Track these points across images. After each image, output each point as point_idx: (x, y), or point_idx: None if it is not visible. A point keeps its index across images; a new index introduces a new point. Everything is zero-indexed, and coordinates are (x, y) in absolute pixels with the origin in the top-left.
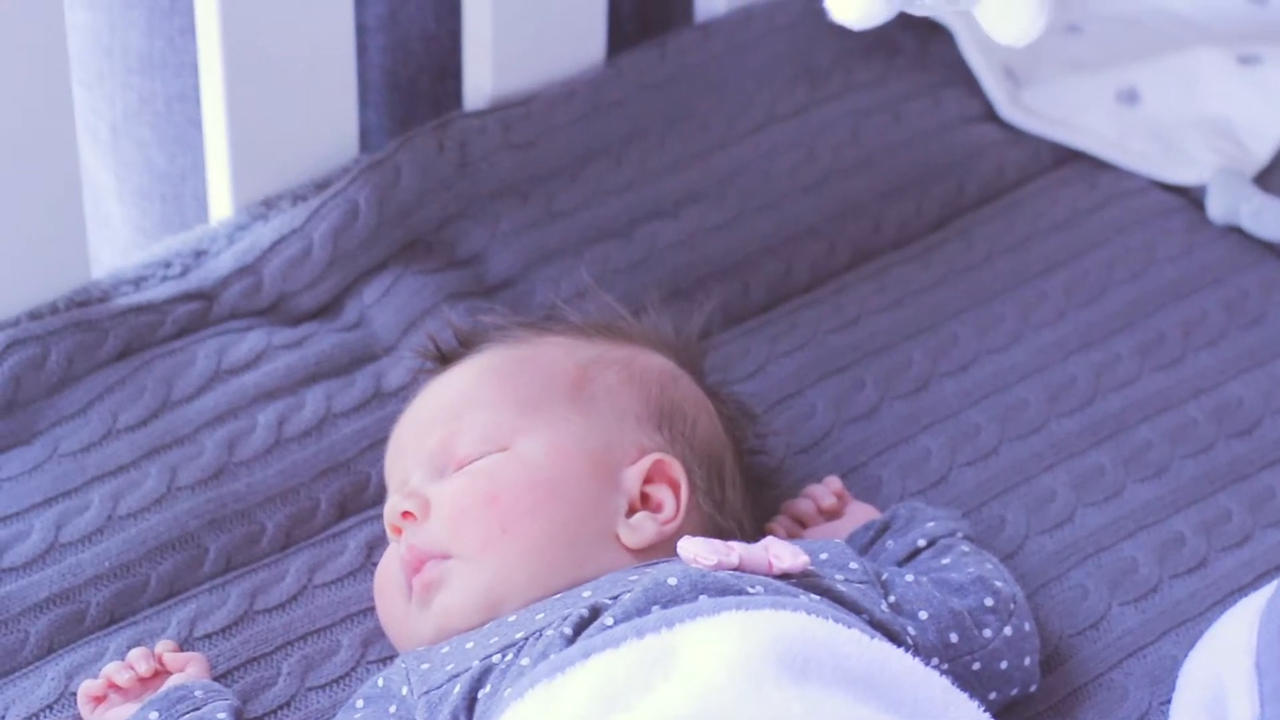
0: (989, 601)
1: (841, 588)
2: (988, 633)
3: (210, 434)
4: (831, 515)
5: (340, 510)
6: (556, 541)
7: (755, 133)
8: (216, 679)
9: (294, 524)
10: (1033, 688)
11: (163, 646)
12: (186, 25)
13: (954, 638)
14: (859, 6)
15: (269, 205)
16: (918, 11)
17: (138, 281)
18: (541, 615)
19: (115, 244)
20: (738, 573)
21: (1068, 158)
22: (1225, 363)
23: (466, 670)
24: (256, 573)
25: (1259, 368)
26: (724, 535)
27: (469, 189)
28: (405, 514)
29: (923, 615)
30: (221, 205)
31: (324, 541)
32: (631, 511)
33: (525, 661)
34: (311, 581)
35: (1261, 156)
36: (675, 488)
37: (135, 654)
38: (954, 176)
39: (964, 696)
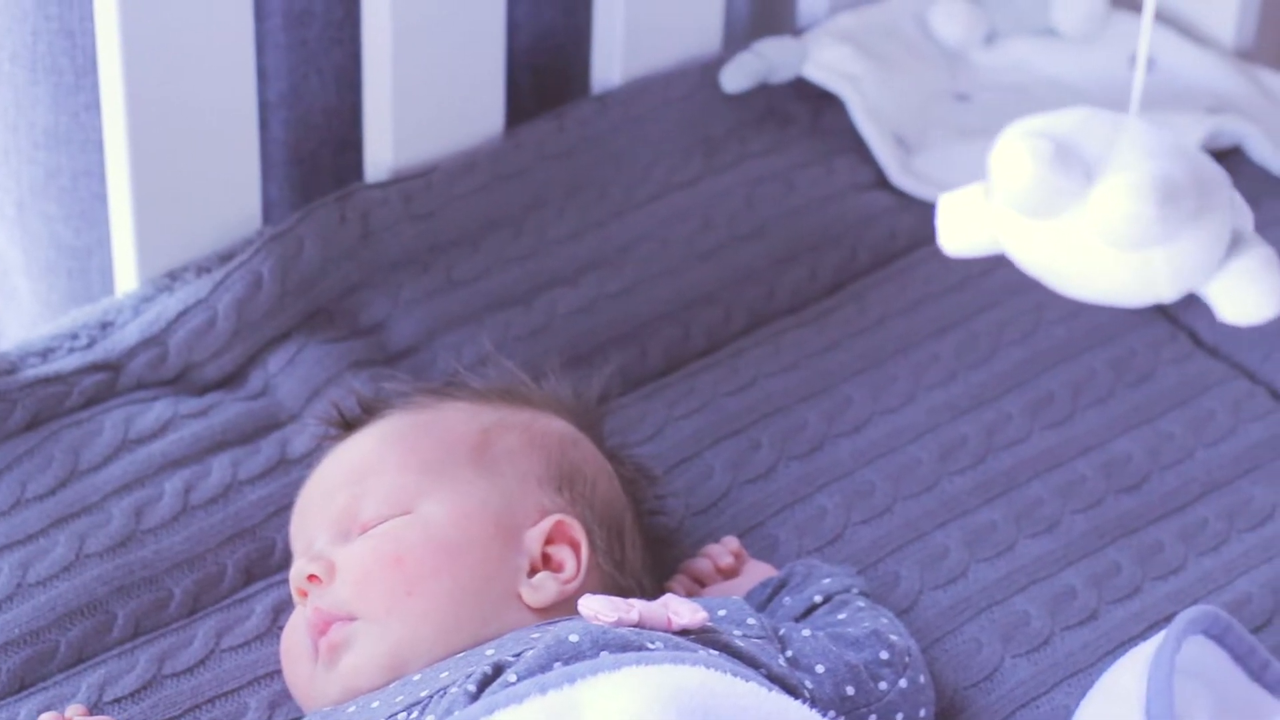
0: (884, 655)
1: (739, 643)
2: (884, 685)
3: (118, 502)
4: (729, 574)
5: (246, 575)
6: (460, 602)
7: (652, 202)
8: None
9: (201, 589)
10: None
11: (73, 711)
12: (91, 101)
13: (850, 691)
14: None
15: (174, 277)
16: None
17: (45, 353)
18: (446, 674)
19: (22, 317)
20: (638, 629)
21: None
22: (1113, 420)
23: None
24: (164, 638)
25: (1146, 424)
26: (624, 593)
27: (371, 259)
28: (311, 577)
29: (819, 669)
30: (127, 278)
31: (231, 606)
32: (533, 571)
33: (430, 719)
34: (219, 646)
35: None
36: (576, 548)
37: (46, 719)
38: (847, 242)
39: None
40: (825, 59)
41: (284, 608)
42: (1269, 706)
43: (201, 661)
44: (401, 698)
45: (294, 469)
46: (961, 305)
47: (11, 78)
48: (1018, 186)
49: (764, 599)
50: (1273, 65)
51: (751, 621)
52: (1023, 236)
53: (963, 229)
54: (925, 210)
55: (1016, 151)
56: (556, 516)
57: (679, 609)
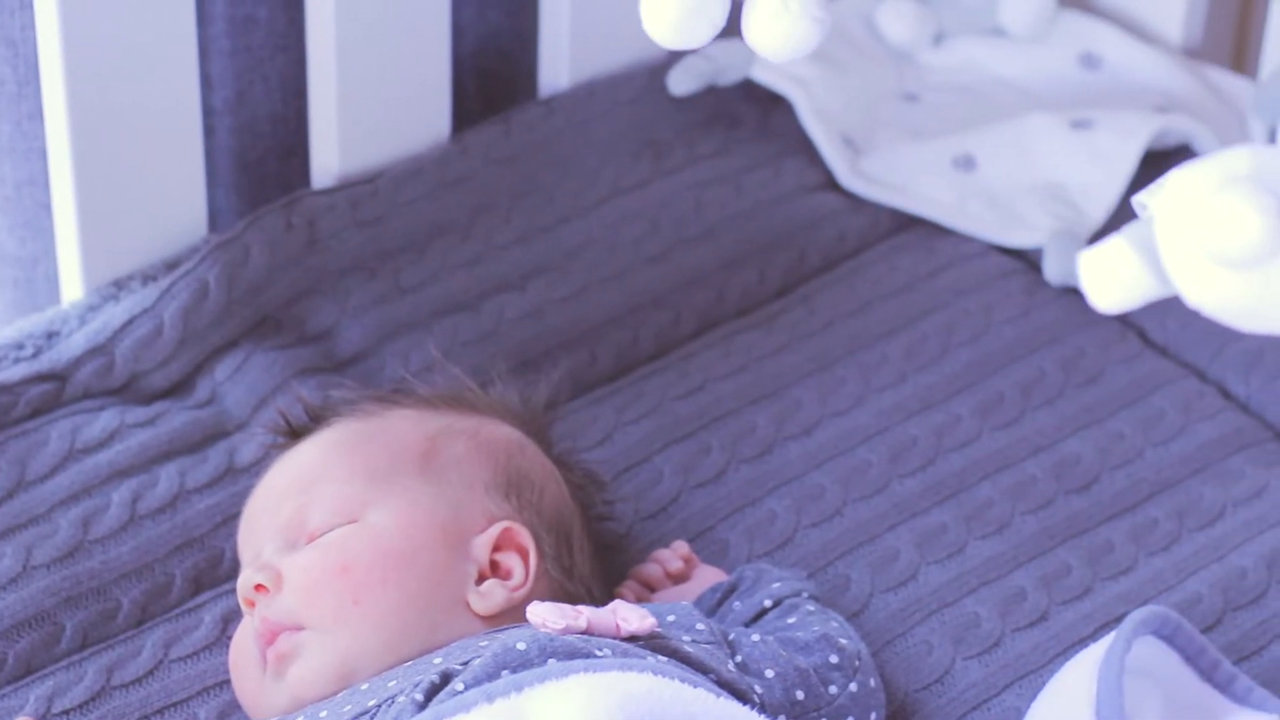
0: (834, 659)
1: (689, 648)
2: (833, 689)
3: (65, 512)
4: (679, 579)
5: (195, 585)
6: (408, 610)
7: (600, 205)
8: None
9: (149, 600)
10: None
11: None
12: (34, 110)
13: (800, 695)
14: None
15: (120, 286)
16: None
17: None
18: (394, 682)
19: None
20: (586, 636)
21: (907, 224)
22: (1063, 421)
23: None
24: (113, 649)
25: (1096, 425)
26: (573, 600)
27: (318, 266)
28: (258, 587)
29: (769, 673)
30: (73, 287)
31: (179, 616)
32: (481, 579)
33: None
34: (168, 656)
35: (1096, 218)
36: (524, 555)
37: None
38: (795, 245)
39: None
40: (773, 61)
41: (233, 617)
42: (1220, 706)
43: (150, 672)
44: (349, 707)
45: (242, 478)
46: (910, 307)
47: None
48: (1245, 242)
49: (713, 604)
50: (1220, 63)
51: (700, 627)
52: (1212, 282)
53: (1117, 283)
54: (874, 212)
55: (1241, 210)
56: (504, 523)
57: (627, 615)
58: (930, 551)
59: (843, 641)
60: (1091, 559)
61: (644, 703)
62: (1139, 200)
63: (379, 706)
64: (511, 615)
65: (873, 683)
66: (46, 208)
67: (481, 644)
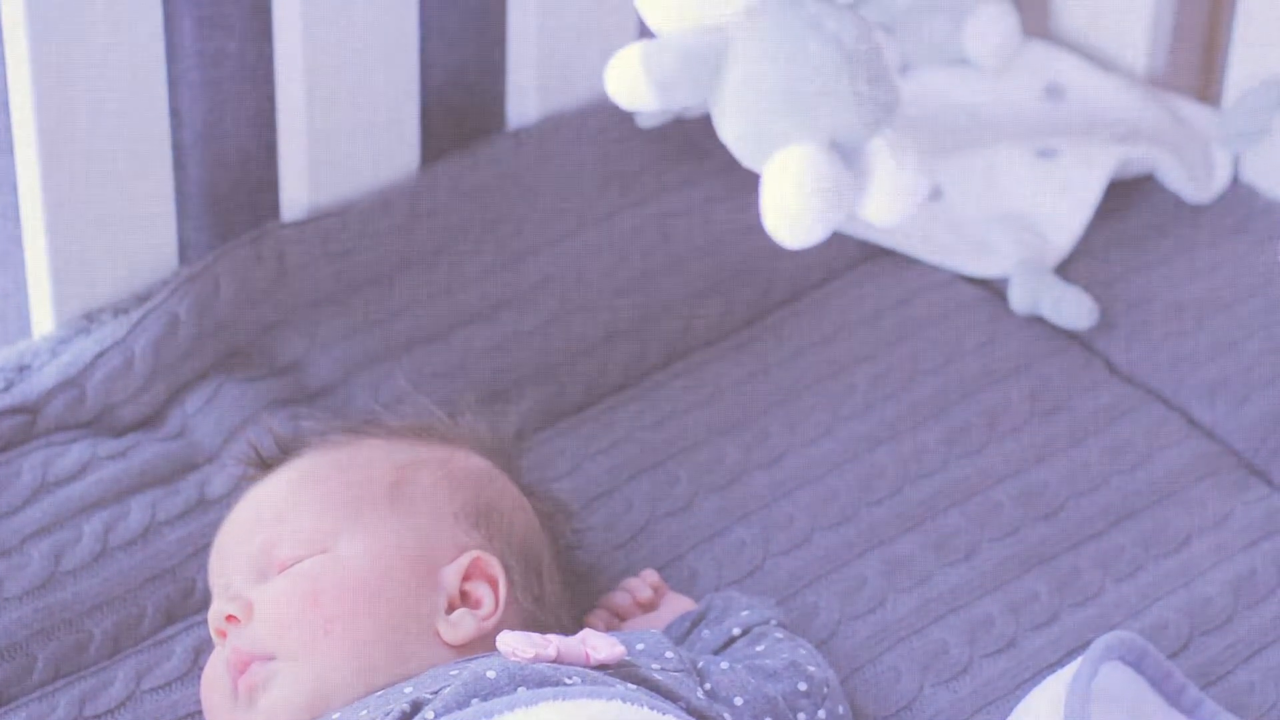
0: (802, 686)
1: (658, 676)
2: (802, 716)
3: (37, 544)
4: (648, 607)
5: (167, 616)
6: (378, 640)
7: (568, 237)
8: None
9: (121, 631)
10: None
11: None
12: (4, 144)
13: None
14: (794, 233)
15: (90, 319)
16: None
17: None
18: (365, 712)
19: None
20: (556, 664)
21: (873, 254)
22: (1029, 448)
23: None
24: (85, 680)
25: (1062, 452)
26: (543, 629)
27: (288, 298)
28: (229, 617)
29: (738, 701)
30: (44, 321)
31: (151, 648)
32: (451, 608)
33: None
34: (139, 687)
35: (1062, 247)
36: (493, 584)
37: None
38: (763, 275)
39: None
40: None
41: (204, 648)
42: None
43: (122, 703)
44: None
45: (213, 509)
46: (877, 336)
47: None
48: None
49: (683, 632)
50: (1185, 92)
51: (670, 655)
52: None
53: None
54: (840, 241)
55: None
56: (474, 553)
57: (597, 644)
58: (898, 579)
59: (811, 669)
60: (1058, 586)
61: None
62: None
63: None
64: (482, 644)
65: (841, 710)
66: (17, 241)
67: (452, 673)
